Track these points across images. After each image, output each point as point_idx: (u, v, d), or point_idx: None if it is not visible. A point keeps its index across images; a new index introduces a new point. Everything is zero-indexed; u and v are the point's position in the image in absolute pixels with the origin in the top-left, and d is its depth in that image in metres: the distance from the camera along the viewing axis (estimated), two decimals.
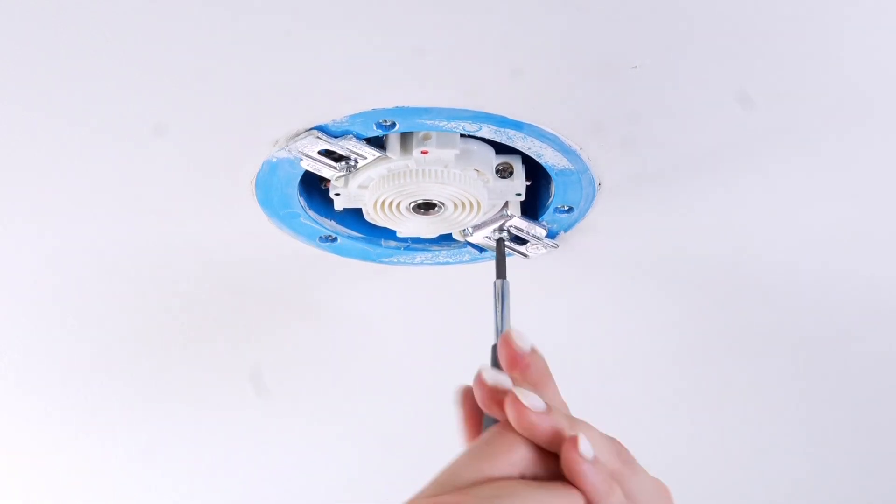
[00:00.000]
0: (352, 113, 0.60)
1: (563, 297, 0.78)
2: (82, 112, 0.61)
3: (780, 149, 0.65)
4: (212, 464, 0.97)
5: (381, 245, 0.72)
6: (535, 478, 0.46)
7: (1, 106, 0.60)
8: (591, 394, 0.78)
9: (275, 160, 0.63)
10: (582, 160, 0.64)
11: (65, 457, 0.96)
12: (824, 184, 0.68)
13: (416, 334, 0.81)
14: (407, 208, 0.66)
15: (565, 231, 0.71)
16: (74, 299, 0.77)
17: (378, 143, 0.64)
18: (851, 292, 0.77)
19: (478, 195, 0.65)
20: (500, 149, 0.65)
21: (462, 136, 0.63)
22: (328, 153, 0.63)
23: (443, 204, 0.66)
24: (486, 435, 0.47)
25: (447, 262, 0.73)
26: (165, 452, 0.95)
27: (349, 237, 0.71)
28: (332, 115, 0.60)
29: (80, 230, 0.71)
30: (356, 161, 0.63)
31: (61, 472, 0.97)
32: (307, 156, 0.62)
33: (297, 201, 0.67)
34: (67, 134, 0.63)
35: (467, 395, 0.50)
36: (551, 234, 0.70)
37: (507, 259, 0.70)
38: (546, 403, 0.46)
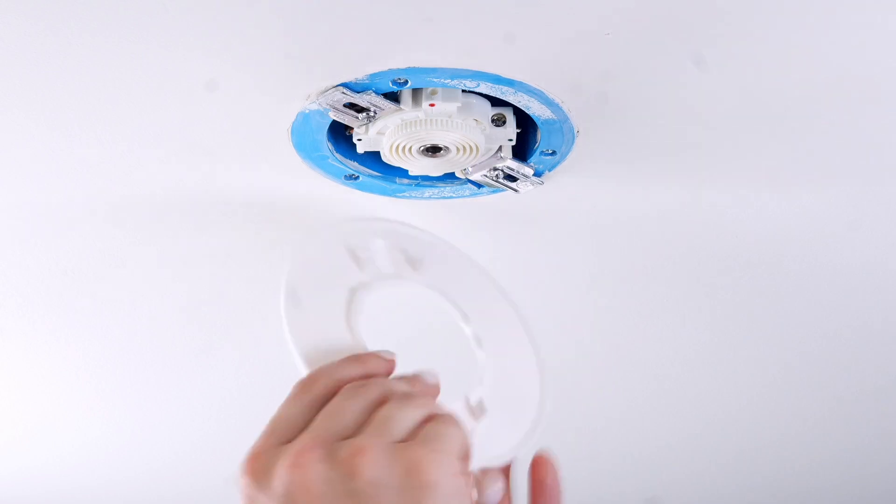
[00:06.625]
0: (372, 72, 0.64)
1: (547, 225, 0.81)
2: (148, 71, 0.64)
3: (728, 115, 0.68)
4: (249, 363, 1.01)
5: (395, 182, 0.76)
6: None
7: (81, 69, 0.64)
8: (570, 300, 0.83)
9: (307, 111, 0.67)
10: (563, 111, 0.68)
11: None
12: (761, 137, 0.72)
13: None
14: (417, 151, 0.70)
15: (549, 171, 0.74)
16: (137, 223, 0.80)
17: (393, 97, 0.67)
18: (761, 222, 0.82)
19: (476, 140, 0.69)
20: (495, 102, 0.69)
21: (463, 91, 0.67)
22: (352, 105, 0.66)
23: (447, 148, 0.70)
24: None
25: (451, 196, 0.77)
26: (218, 354, 0.99)
27: (369, 175, 0.75)
28: (355, 73, 0.64)
29: (144, 168, 0.74)
30: (375, 112, 0.67)
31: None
32: (334, 108, 0.66)
33: (326, 146, 0.71)
34: (138, 90, 0.66)
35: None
36: (538, 174, 0.74)
37: (501, 194, 0.73)
38: None
